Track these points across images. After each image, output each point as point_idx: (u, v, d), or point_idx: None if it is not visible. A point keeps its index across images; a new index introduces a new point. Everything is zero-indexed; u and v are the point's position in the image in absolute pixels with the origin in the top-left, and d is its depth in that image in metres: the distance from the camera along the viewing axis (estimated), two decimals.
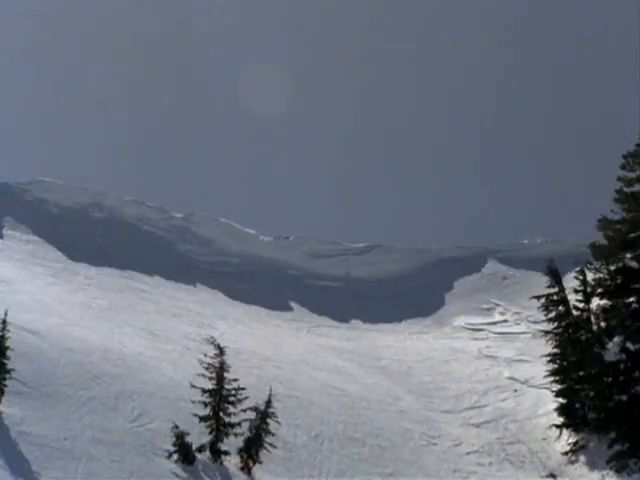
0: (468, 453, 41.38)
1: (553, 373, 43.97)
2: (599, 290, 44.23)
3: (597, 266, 44.65)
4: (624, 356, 42.03)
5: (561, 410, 43.06)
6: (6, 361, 31.89)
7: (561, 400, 43.27)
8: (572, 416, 42.62)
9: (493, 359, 50.56)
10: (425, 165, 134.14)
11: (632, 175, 44.34)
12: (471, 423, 44.16)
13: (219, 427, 34.58)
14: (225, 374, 34.71)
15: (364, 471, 37.68)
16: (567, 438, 42.17)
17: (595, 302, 44.42)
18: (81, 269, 52.56)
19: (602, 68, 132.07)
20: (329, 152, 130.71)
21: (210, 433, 34.59)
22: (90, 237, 57.20)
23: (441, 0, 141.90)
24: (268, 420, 34.94)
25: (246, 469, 34.64)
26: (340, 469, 37.24)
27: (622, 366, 41.88)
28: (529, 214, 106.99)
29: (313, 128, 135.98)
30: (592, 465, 40.40)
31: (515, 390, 47.18)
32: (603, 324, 43.64)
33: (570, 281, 45.91)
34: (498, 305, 57.01)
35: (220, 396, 34.68)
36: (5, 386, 31.85)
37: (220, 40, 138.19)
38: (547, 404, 44.43)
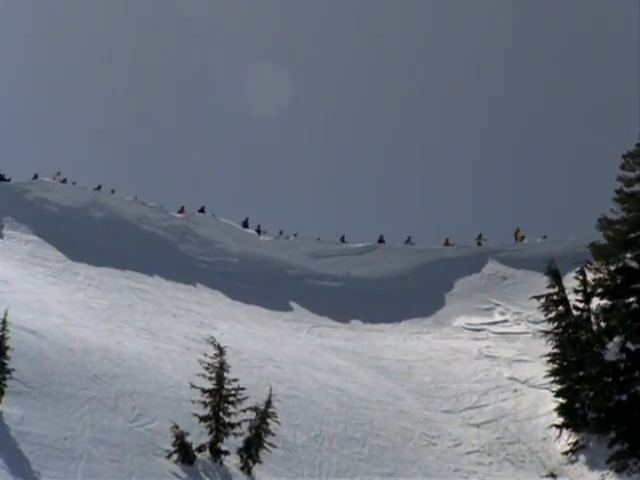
0: (468, 453, 41.42)
1: (553, 373, 44.00)
2: (599, 290, 44.29)
3: (597, 266, 44.72)
4: (624, 356, 42.09)
5: (561, 410, 43.09)
6: (6, 361, 31.93)
7: (561, 400, 43.29)
8: (572, 416, 42.66)
9: (493, 359, 50.55)
10: (425, 165, 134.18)
11: (632, 175, 44.45)
12: (471, 423, 44.17)
13: (219, 427, 34.61)
14: (225, 374, 34.74)
15: (364, 471, 37.72)
16: (567, 438, 42.21)
17: (595, 302, 44.47)
18: (81, 269, 52.50)
19: (602, 68, 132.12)
20: (329, 152, 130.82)
21: (210, 433, 34.61)
22: (90, 237, 57.08)
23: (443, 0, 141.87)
24: (268, 420, 34.97)
25: (246, 469, 34.67)
26: (340, 469, 37.26)
27: (622, 366, 41.94)
28: (529, 214, 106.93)
29: (313, 128, 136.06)
30: (592, 465, 40.44)
31: (515, 390, 47.18)
32: (603, 324, 43.69)
33: (570, 281, 45.94)
34: (498, 305, 56.96)
35: (220, 396, 34.71)
36: (5, 386, 31.89)
37: (220, 40, 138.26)
38: (547, 404, 44.44)
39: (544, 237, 63.33)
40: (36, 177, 61.65)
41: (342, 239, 63.55)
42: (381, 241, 63.78)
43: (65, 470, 30.53)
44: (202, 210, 63.13)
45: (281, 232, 63.29)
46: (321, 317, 54.88)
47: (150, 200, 62.87)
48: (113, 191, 62.52)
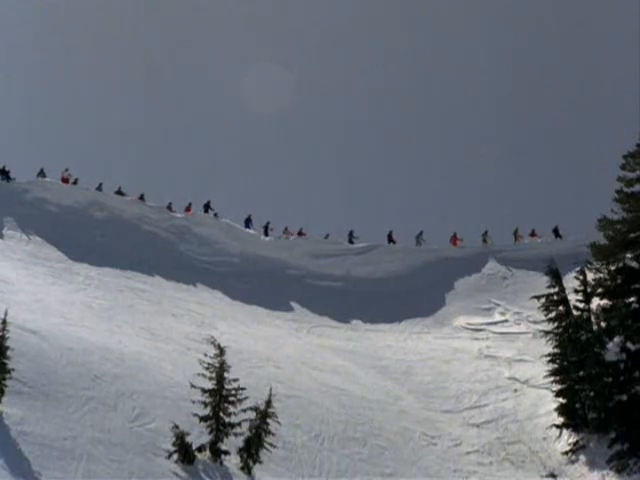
0: (468, 453, 41.40)
1: (553, 373, 43.96)
2: (599, 290, 44.27)
3: (597, 266, 44.71)
4: (624, 356, 42.04)
5: (561, 410, 43.06)
6: (6, 361, 31.92)
7: (561, 400, 43.27)
8: (572, 416, 42.63)
9: (493, 359, 50.56)
10: (425, 165, 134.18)
11: (632, 175, 44.46)
12: (471, 423, 44.17)
13: (219, 427, 34.60)
14: (225, 374, 34.73)
15: (364, 471, 37.70)
16: (567, 438, 42.17)
17: (595, 302, 44.46)
18: (81, 269, 52.53)
19: (602, 68, 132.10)
20: (329, 151, 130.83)
21: (210, 433, 34.61)
22: (90, 237, 57.16)
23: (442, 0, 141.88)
24: (268, 420, 34.97)
25: (246, 469, 34.66)
26: (340, 469, 37.25)
27: (622, 366, 41.89)
28: (529, 214, 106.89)
29: (314, 127, 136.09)
30: (592, 465, 40.39)
31: (515, 390, 47.18)
32: (603, 324, 43.66)
33: (570, 281, 45.94)
34: (498, 305, 56.97)
35: (220, 396, 34.71)
36: (5, 386, 31.89)
37: (220, 39, 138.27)
38: (547, 404, 44.42)
39: (557, 234, 63.31)
40: (42, 171, 61.97)
41: (350, 234, 63.67)
42: (390, 236, 63.97)
43: (65, 470, 30.52)
44: (208, 204, 63.34)
45: (286, 228, 63.57)
46: (321, 317, 54.90)
47: (150, 199, 62.98)
48: (120, 192, 62.55)
